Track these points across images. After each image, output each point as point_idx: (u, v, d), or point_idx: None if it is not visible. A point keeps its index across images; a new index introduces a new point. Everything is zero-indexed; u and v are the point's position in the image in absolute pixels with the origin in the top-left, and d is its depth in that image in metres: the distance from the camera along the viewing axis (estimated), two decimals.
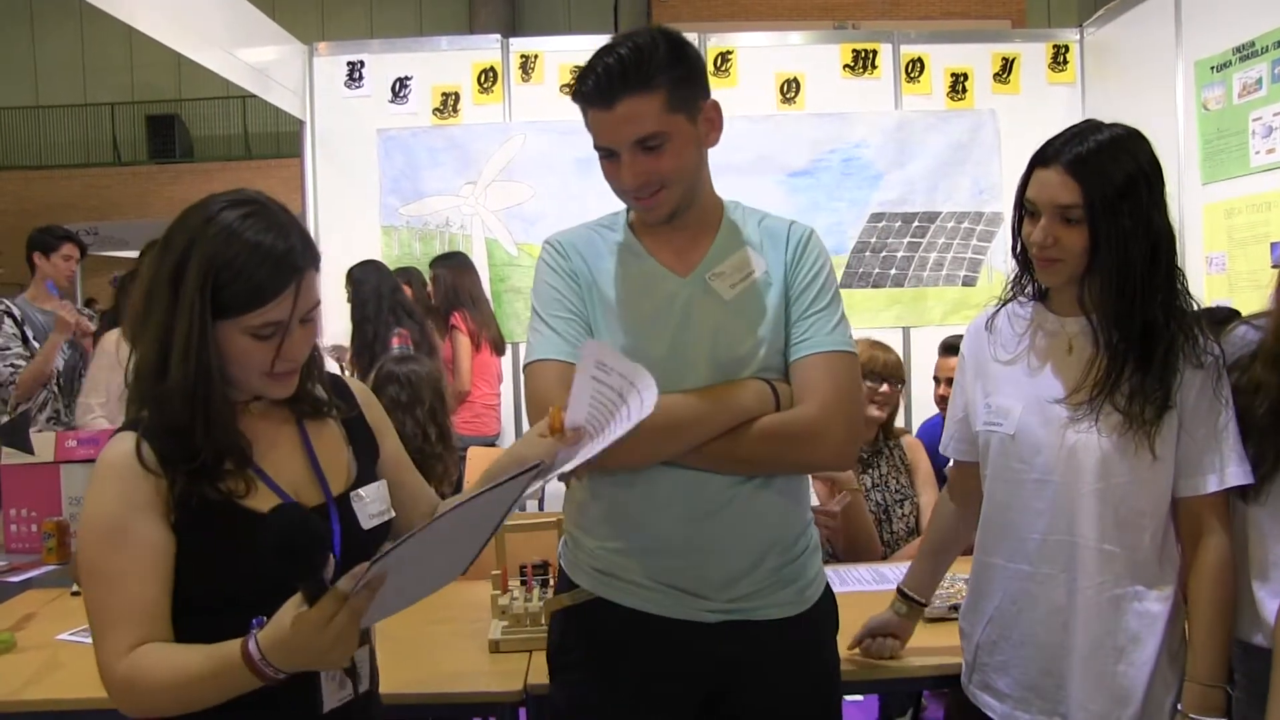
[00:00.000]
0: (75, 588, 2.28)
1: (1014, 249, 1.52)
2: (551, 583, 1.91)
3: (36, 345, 3.72)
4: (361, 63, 4.64)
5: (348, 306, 4.03)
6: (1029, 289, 1.54)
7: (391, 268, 4.23)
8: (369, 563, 0.99)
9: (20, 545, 2.60)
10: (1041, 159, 1.42)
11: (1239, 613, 1.43)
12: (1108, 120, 1.43)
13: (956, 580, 1.95)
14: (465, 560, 1.17)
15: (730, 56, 4.62)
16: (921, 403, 4.16)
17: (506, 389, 4.54)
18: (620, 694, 1.41)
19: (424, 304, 4.24)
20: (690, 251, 1.43)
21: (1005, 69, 4.64)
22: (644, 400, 1.14)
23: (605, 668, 1.42)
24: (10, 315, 3.73)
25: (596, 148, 1.36)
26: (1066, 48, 4.66)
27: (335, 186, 4.63)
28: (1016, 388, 1.50)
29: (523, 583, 2.04)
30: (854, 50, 4.65)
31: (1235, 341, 1.49)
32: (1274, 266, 3.34)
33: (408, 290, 4.16)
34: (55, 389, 3.76)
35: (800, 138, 4.59)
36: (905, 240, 4.61)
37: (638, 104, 1.29)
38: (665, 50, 1.31)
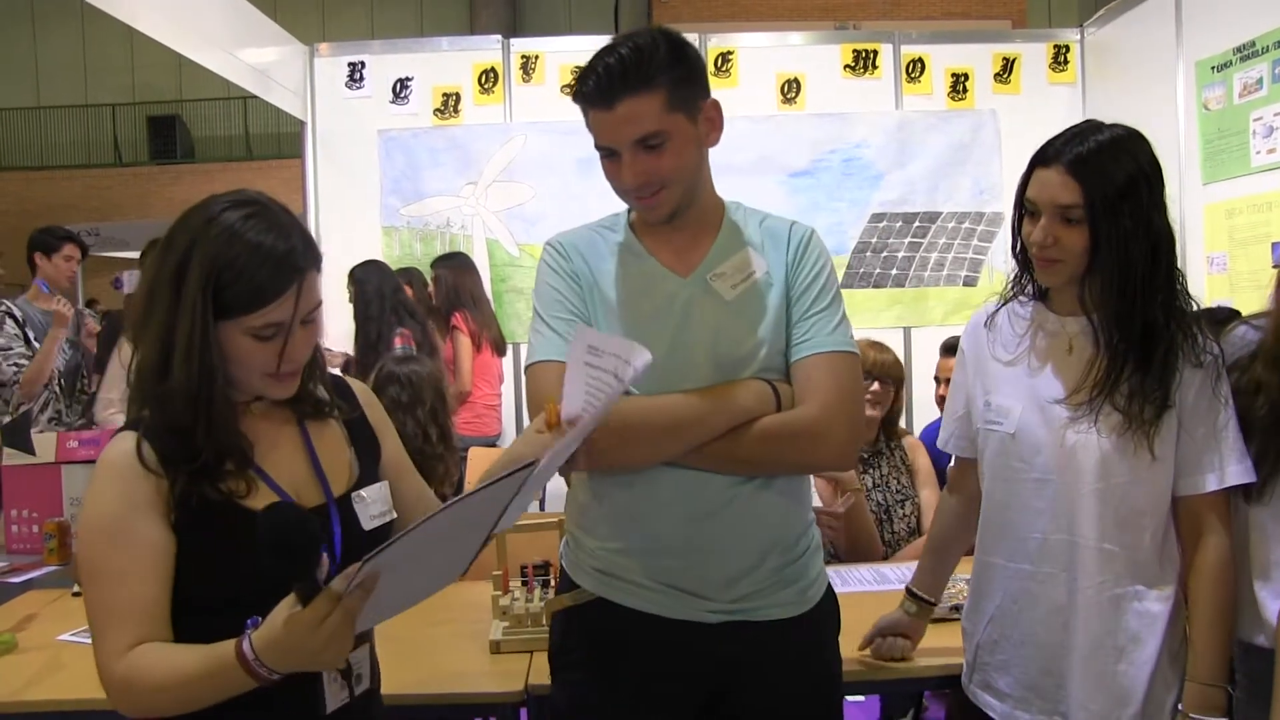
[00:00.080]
0: (76, 588, 2.28)
1: (1014, 249, 1.52)
2: (552, 583, 1.92)
3: (38, 346, 3.73)
4: (362, 63, 4.64)
5: (349, 307, 4.03)
6: (1029, 289, 1.54)
7: (392, 268, 4.23)
8: (361, 562, 0.98)
9: (21, 546, 2.60)
10: (1042, 159, 1.42)
11: (1240, 613, 1.43)
12: (1108, 120, 1.43)
13: (958, 580, 1.95)
14: (464, 561, 1.16)
15: (731, 57, 4.62)
16: (922, 403, 4.15)
17: (507, 389, 4.53)
18: (621, 694, 1.41)
19: (425, 304, 4.24)
20: (691, 252, 1.43)
21: (1006, 69, 4.64)
22: (635, 367, 1.14)
23: (606, 668, 1.42)
24: (12, 316, 3.74)
25: (597, 147, 1.37)
26: (1067, 48, 4.66)
27: (336, 187, 4.62)
28: (1016, 387, 1.49)
29: (524, 583, 2.04)
30: (855, 50, 4.64)
31: (1235, 341, 1.49)
32: (1275, 266, 3.33)
33: (408, 291, 4.16)
34: (56, 389, 3.77)
35: (801, 138, 4.59)
36: (906, 240, 4.60)
37: (638, 104, 1.30)
38: (665, 50, 1.31)
